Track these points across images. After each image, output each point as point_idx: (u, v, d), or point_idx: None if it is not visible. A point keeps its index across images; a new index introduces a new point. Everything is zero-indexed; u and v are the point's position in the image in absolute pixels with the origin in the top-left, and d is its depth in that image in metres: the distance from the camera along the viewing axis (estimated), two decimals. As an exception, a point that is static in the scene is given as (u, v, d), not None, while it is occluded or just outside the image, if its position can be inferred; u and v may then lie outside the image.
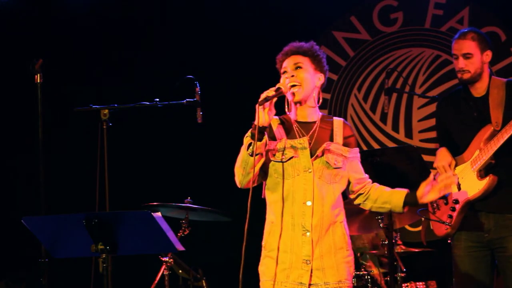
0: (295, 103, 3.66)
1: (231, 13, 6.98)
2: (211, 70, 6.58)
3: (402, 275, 5.41)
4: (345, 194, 3.72)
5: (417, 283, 5.53)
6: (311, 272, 3.51)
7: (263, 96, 3.47)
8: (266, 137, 3.50)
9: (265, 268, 3.62)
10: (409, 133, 6.77)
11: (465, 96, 4.46)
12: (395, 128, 6.82)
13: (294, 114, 3.68)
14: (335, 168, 3.57)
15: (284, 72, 3.68)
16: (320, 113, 3.73)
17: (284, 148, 3.59)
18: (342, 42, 6.99)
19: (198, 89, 4.56)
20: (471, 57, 4.36)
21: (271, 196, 3.64)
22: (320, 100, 3.71)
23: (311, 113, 3.68)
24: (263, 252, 3.66)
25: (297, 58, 3.68)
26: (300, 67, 3.66)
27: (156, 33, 7.06)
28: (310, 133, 3.62)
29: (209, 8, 7.02)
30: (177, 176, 6.70)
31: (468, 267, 4.40)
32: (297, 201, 3.54)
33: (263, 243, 3.67)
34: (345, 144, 3.65)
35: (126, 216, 3.46)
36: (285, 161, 3.57)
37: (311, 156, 3.57)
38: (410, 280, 5.55)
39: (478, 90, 4.43)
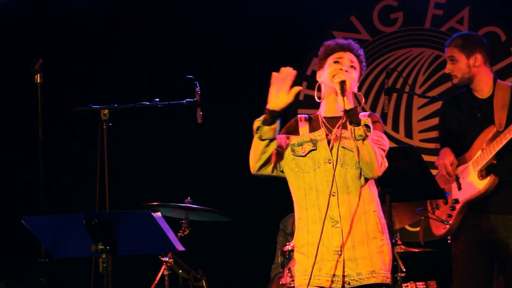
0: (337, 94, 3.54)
1: (231, 13, 6.98)
2: (211, 70, 6.58)
3: (402, 275, 5.40)
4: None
5: (417, 283, 5.52)
6: (344, 263, 3.45)
7: (340, 79, 3.46)
8: (277, 122, 3.46)
9: (298, 264, 3.58)
10: (409, 133, 6.77)
11: (469, 97, 4.49)
12: (395, 128, 6.82)
13: (323, 109, 3.65)
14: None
15: (337, 62, 3.64)
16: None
17: (304, 142, 3.57)
18: (342, 42, 6.99)
19: (198, 89, 4.56)
20: (456, 62, 4.43)
21: (295, 193, 3.62)
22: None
23: (340, 109, 3.57)
24: (295, 251, 3.63)
25: (353, 58, 3.67)
26: (354, 68, 3.64)
27: (156, 33, 7.06)
28: (337, 126, 3.57)
29: (209, 9, 7.02)
30: (177, 176, 6.70)
31: (467, 267, 4.40)
32: (322, 193, 3.50)
33: (293, 242, 3.65)
34: None
35: (126, 216, 3.46)
36: (304, 155, 3.55)
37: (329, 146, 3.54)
38: (410, 280, 5.55)
39: (482, 92, 4.46)
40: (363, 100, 3.74)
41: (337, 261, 3.46)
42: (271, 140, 3.48)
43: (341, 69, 3.59)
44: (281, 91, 3.46)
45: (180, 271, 5.58)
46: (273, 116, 3.44)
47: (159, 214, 3.42)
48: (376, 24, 6.91)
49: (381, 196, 4.09)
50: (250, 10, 6.91)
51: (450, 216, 4.42)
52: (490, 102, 4.41)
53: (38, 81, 4.60)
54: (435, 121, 6.58)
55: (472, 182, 4.36)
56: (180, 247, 3.53)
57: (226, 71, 6.86)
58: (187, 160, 6.84)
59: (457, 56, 4.46)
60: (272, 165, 3.59)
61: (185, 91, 4.57)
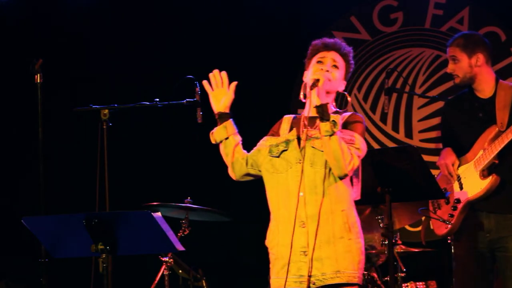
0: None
1: (231, 13, 6.98)
2: (211, 70, 6.57)
3: (402, 275, 5.40)
4: None
5: (417, 283, 5.52)
6: (311, 263, 3.47)
7: (314, 77, 3.54)
8: (228, 122, 3.67)
9: (271, 265, 3.63)
10: (409, 133, 6.77)
11: (471, 97, 4.49)
12: (395, 128, 6.82)
13: (306, 109, 3.68)
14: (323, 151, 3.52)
15: (320, 62, 3.68)
16: (334, 110, 3.70)
17: (280, 142, 3.63)
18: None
19: (198, 89, 4.56)
20: (458, 62, 4.44)
21: (268, 194, 3.66)
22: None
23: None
24: (269, 251, 3.67)
25: (337, 57, 3.71)
26: (336, 67, 3.68)
27: (156, 33, 7.06)
28: (315, 126, 3.60)
29: (210, 8, 7.02)
30: (177, 176, 6.70)
31: (468, 267, 4.40)
32: (292, 193, 3.53)
33: (266, 243, 3.68)
34: (343, 127, 3.60)
35: (126, 216, 3.46)
36: (278, 156, 3.60)
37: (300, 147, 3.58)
38: (410, 280, 5.55)
39: (483, 92, 4.47)
40: (349, 99, 3.75)
41: (304, 261, 3.49)
42: (226, 139, 3.69)
43: (321, 69, 3.62)
44: (219, 94, 3.73)
45: (180, 271, 5.58)
46: (222, 117, 3.69)
47: (159, 214, 3.42)
48: (376, 24, 6.91)
49: (381, 196, 4.09)
50: (250, 10, 6.90)
51: (452, 216, 4.42)
52: (492, 102, 4.41)
53: (38, 81, 4.59)
54: (435, 121, 6.58)
55: (474, 182, 4.36)
56: (180, 247, 3.53)
57: (226, 71, 6.85)
58: (187, 160, 6.83)
59: (458, 56, 4.46)
60: (243, 163, 3.71)
61: (185, 91, 4.56)
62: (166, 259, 5.38)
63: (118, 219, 3.45)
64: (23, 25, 7.07)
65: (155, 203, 5.39)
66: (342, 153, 3.45)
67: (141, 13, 7.13)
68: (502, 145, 4.27)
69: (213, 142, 3.75)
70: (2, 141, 7.03)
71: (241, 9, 6.94)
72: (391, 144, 6.74)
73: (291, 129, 3.68)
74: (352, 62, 3.76)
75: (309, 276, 3.47)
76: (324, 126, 3.43)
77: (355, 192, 3.67)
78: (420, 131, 6.74)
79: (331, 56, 3.69)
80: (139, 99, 4.65)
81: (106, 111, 4.37)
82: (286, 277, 3.49)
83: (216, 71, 3.79)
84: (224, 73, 3.78)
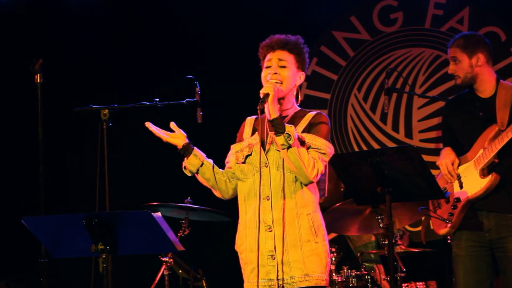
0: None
1: (230, 13, 6.97)
2: (211, 70, 6.57)
3: (402, 275, 5.40)
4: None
5: (417, 283, 5.52)
6: (277, 266, 3.50)
7: (263, 93, 3.52)
8: (194, 150, 3.74)
9: (242, 270, 3.66)
10: (409, 133, 6.77)
11: (472, 97, 4.50)
12: (395, 128, 6.82)
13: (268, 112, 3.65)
14: None
15: (268, 66, 3.68)
16: (298, 109, 3.73)
17: (243, 147, 3.66)
18: (342, 42, 6.99)
19: (198, 89, 4.56)
20: (458, 62, 4.45)
21: (239, 198, 3.70)
22: (300, 98, 3.74)
23: (286, 110, 3.69)
24: (238, 255, 3.70)
25: (283, 55, 3.68)
26: (284, 66, 3.66)
27: (156, 32, 7.06)
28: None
29: (209, 8, 7.02)
30: (177, 176, 6.68)
31: (468, 267, 4.40)
32: (258, 197, 3.55)
33: (235, 247, 3.71)
34: (307, 129, 3.62)
35: (126, 216, 3.46)
36: (244, 162, 3.63)
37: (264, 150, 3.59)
38: (410, 280, 5.54)
39: (484, 92, 4.48)
40: (300, 99, 3.76)
41: (272, 265, 3.52)
42: (201, 165, 3.70)
43: (269, 73, 3.63)
44: (171, 136, 3.88)
45: (180, 271, 5.58)
46: (187, 149, 3.76)
47: (159, 214, 3.42)
48: (376, 24, 6.90)
49: (381, 196, 4.09)
50: (250, 10, 6.90)
51: (451, 214, 4.42)
52: (493, 101, 4.42)
53: (38, 81, 4.59)
54: (435, 121, 6.58)
55: (474, 181, 4.36)
56: (180, 247, 3.53)
57: (227, 71, 6.85)
58: (187, 160, 6.82)
59: (459, 56, 4.47)
60: (226, 180, 3.72)
61: (185, 91, 4.56)
62: (166, 259, 5.38)
63: (118, 219, 3.45)
64: (23, 24, 7.07)
65: (155, 203, 5.39)
66: (302, 162, 3.47)
67: (141, 12, 7.13)
68: (502, 144, 4.28)
69: (189, 174, 3.77)
70: (2, 141, 7.02)
71: (241, 10, 6.94)
72: (391, 144, 6.74)
73: (253, 132, 3.68)
74: (303, 49, 3.73)
75: (278, 280, 3.50)
76: (279, 140, 3.45)
77: (322, 190, 3.71)
78: (420, 131, 6.74)
79: (276, 57, 3.68)
80: (139, 99, 4.65)
81: (106, 111, 4.37)
82: (258, 281, 3.51)
83: (149, 124, 3.96)
84: (155, 128, 3.96)
